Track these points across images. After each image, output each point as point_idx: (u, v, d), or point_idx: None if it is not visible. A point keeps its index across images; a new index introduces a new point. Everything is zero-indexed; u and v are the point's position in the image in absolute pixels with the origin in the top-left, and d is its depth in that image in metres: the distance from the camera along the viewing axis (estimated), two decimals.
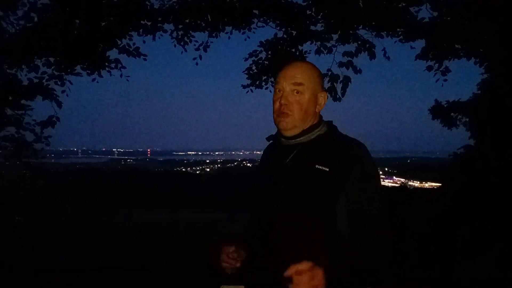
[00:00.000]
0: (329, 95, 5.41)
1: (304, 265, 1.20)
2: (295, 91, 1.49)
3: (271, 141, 1.68)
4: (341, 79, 5.21)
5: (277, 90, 1.53)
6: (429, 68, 5.91)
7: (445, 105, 7.58)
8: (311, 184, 1.40)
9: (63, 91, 5.95)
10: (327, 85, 5.41)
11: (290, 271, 1.20)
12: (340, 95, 5.14)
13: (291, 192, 1.43)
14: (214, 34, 6.46)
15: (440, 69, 5.79)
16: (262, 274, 1.47)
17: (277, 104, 1.52)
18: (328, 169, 1.39)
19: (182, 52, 6.68)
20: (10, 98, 5.73)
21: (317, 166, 1.40)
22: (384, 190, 1.47)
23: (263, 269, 1.46)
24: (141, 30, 5.99)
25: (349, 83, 5.19)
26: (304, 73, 1.50)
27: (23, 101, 5.86)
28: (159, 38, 6.34)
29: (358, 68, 5.35)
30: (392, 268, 1.40)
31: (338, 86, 5.26)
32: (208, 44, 6.56)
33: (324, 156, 1.43)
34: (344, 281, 1.33)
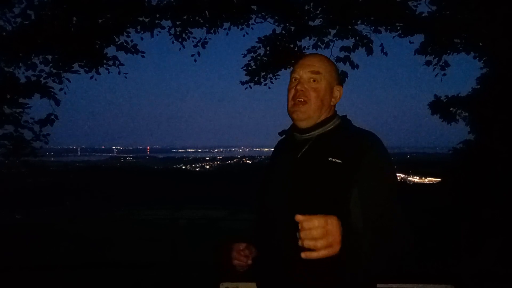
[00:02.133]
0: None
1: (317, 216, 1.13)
2: (312, 79, 1.48)
3: (282, 137, 1.64)
4: None
5: (293, 79, 1.52)
6: (428, 63, 5.88)
7: (444, 100, 7.56)
8: (323, 177, 1.36)
9: (61, 89, 5.93)
10: None
11: (300, 218, 1.11)
12: None
13: (303, 186, 1.39)
14: (212, 30, 6.41)
15: (439, 64, 5.76)
16: (272, 271, 1.43)
17: (293, 91, 1.50)
18: (341, 161, 1.35)
19: (180, 48, 6.65)
20: (7, 96, 5.71)
21: (330, 158, 1.37)
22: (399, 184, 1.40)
23: (274, 267, 1.43)
24: (138, 27, 5.95)
25: (346, 78, 5.18)
26: (321, 63, 1.51)
27: (21, 99, 5.84)
28: (157, 35, 6.30)
29: (355, 63, 5.35)
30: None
31: None
32: (207, 40, 6.51)
33: (337, 148, 1.39)
34: (359, 277, 1.28)
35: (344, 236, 1.14)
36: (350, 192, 1.32)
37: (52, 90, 5.80)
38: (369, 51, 5.52)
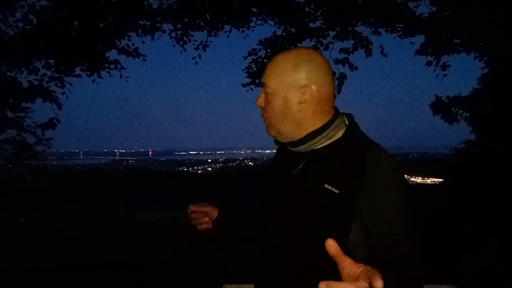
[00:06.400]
0: None
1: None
2: (265, 94, 1.28)
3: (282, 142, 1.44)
4: (337, 76, 5.22)
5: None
6: (429, 64, 5.91)
7: (445, 100, 7.57)
8: (318, 207, 1.18)
9: (63, 93, 5.97)
10: None
11: None
12: (336, 92, 5.14)
13: (297, 212, 1.23)
14: (213, 33, 6.45)
15: (440, 64, 5.79)
16: (271, 281, 1.32)
17: None
18: (338, 191, 1.15)
19: (181, 51, 6.70)
20: (10, 100, 5.75)
21: (326, 185, 1.17)
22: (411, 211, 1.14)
23: (272, 275, 1.32)
24: (139, 30, 5.99)
25: (345, 80, 5.20)
26: (271, 71, 1.25)
27: (23, 104, 5.88)
28: (158, 38, 6.35)
29: (354, 65, 5.36)
30: None
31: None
32: (207, 43, 6.55)
33: (335, 172, 1.18)
34: None
35: None
36: (349, 227, 1.14)
37: (54, 94, 5.84)
38: (368, 53, 5.54)
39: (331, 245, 0.87)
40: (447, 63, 5.81)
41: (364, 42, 5.45)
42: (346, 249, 1.11)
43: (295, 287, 1.09)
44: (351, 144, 1.22)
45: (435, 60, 5.82)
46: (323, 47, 5.63)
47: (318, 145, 1.24)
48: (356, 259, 1.05)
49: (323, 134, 1.24)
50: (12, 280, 6.07)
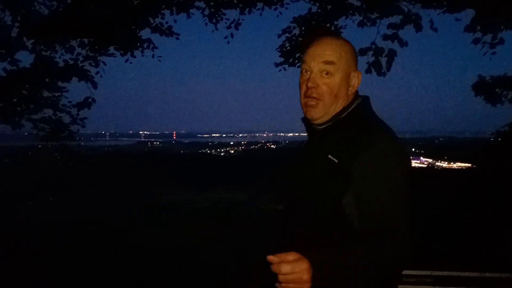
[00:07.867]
0: (373, 70, 5.18)
1: (290, 256, 1.05)
2: (325, 72, 1.33)
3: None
4: (386, 52, 4.95)
5: (304, 70, 1.38)
6: (476, 41, 5.52)
7: (489, 81, 7.15)
8: (320, 176, 1.29)
9: (97, 72, 5.97)
10: (371, 59, 5.16)
11: (274, 259, 1.05)
12: (385, 70, 4.91)
13: (306, 182, 1.35)
14: (245, 11, 6.29)
15: (493, 41, 5.32)
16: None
17: (304, 87, 1.37)
18: (337, 161, 1.27)
19: (213, 30, 6.59)
20: (46, 80, 5.77)
21: (329, 156, 1.29)
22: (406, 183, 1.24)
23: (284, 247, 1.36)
24: (174, 8, 5.88)
25: (395, 57, 4.93)
26: (335, 51, 1.33)
27: (59, 83, 5.90)
28: (192, 15, 6.23)
29: (404, 41, 5.05)
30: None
31: (383, 60, 5.00)
32: (240, 21, 6.41)
33: (338, 145, 1.31)
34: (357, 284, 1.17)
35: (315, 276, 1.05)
36: (344, 191, 1.24)
37: (89, 73, 5.84)
38: (418, 28, 5.18)
39: (272, 259, 1.05)
40: (501, 39, 5.32)
41: (413, 17, 5.12)
42: (342, 211, 1.25)
43: (299, 248, 1.13)
44: (358, 121, 1.34)
45: (484, 37, 5.40)
46: (370, 22, 5.34)
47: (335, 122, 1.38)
48: (350, 219, 1.25)
49: (345, 113, 1.37)
50: (35, 261, 6.21)
